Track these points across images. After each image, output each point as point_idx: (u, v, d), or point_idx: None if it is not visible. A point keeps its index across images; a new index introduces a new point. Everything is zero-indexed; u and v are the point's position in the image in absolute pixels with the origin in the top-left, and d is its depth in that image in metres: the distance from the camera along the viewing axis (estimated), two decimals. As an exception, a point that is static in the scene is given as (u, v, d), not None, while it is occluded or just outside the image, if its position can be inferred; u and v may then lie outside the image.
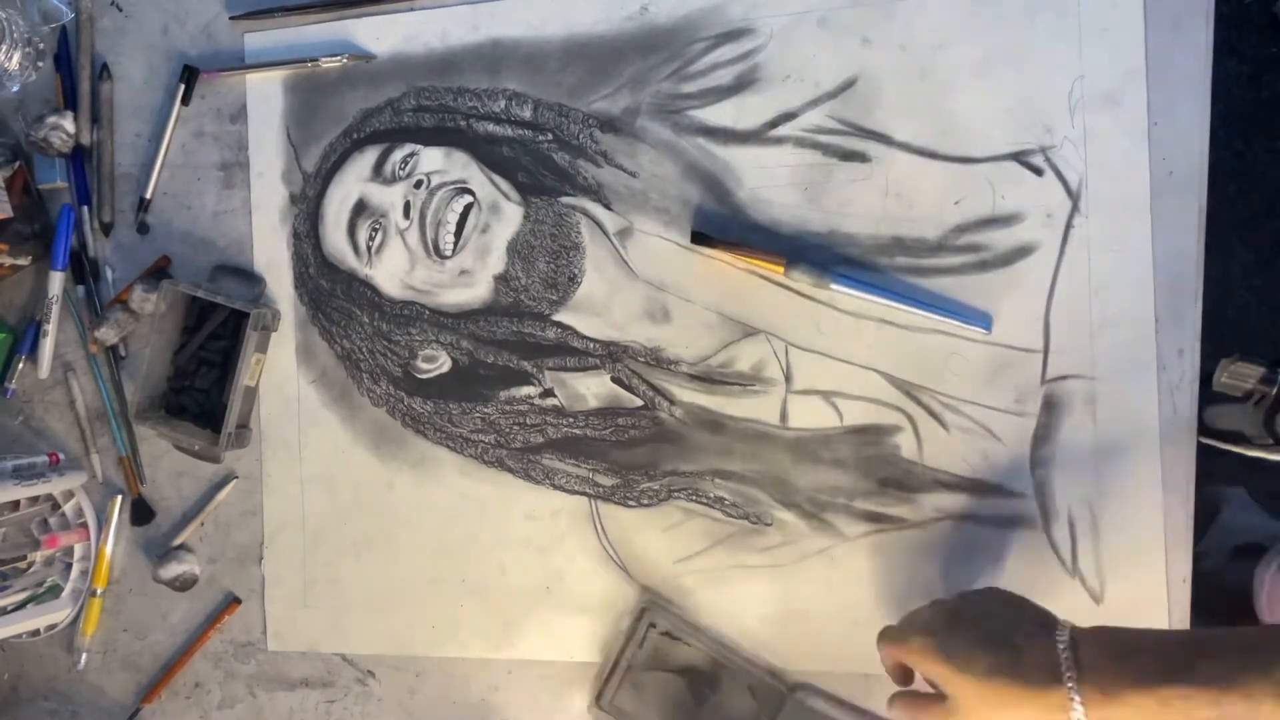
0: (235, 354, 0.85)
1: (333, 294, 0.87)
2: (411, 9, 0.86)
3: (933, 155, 0.77)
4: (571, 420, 0.83)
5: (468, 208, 0.84)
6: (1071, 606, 0.77)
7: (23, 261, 0.88)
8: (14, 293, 0.91)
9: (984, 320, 0.76)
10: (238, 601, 0.88)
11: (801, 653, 0.80)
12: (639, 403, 0.82)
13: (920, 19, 0.77)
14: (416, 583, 0.86)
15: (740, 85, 0.80)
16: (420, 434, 0.86)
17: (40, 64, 0.89)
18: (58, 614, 0.88)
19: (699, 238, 0.79)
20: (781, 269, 0.77)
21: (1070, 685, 0.56)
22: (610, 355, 0.82)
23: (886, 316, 0.78)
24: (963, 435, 0.78)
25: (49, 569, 0.90)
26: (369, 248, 0.86)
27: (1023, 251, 0.77)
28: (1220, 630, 0.55)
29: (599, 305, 0.83)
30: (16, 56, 0.87)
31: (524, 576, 0.84)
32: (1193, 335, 0.76)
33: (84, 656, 0.89)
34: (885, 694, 0.79)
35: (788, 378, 0.80)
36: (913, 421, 0.78)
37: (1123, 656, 0.56)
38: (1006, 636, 0.60)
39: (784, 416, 0.80)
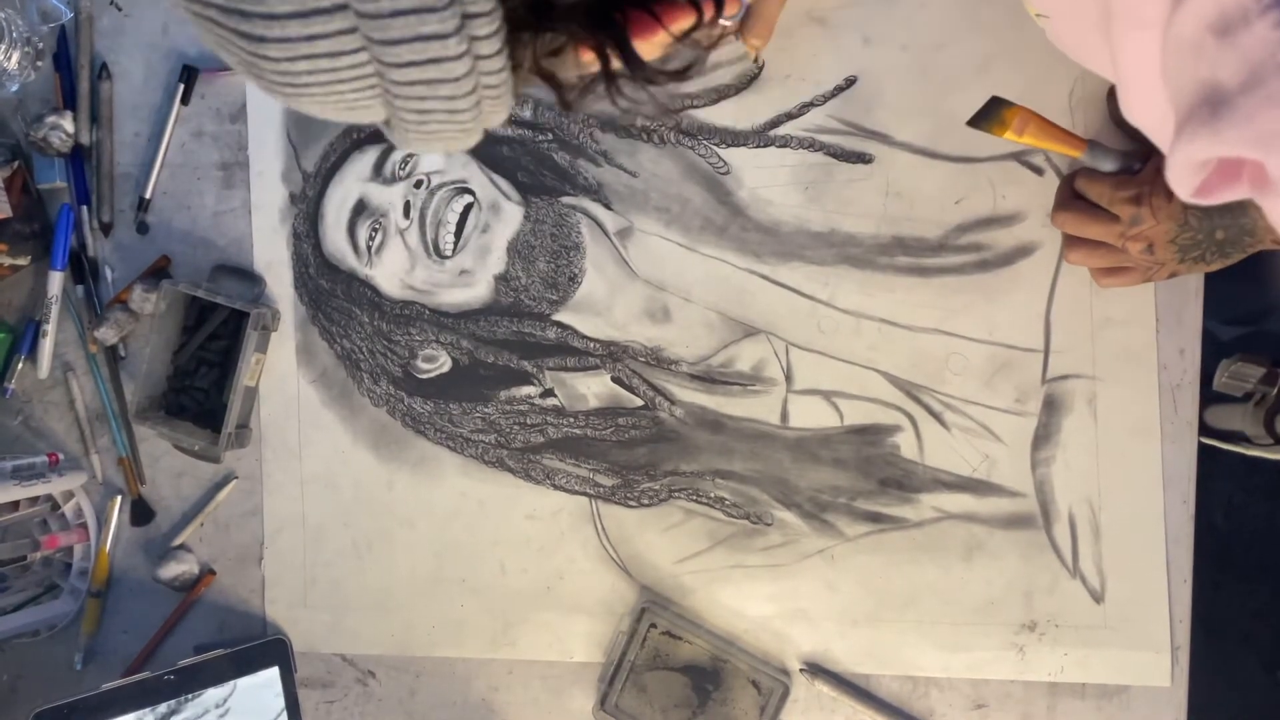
0: (235, 354, 0.84)
1: (333, 294, 0.87)
2: (411, 8, 0.86)
3: (933, 155, 0.77)
4: (572, 420, 0.83)
5: (468, 207, 0.84)
6: (1072, 606, 0.77)
7: (22, 261, 0.88)
8: (13, 293, 0.91)
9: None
10: (212, 573, 0.88)
11: (802, 653, 0.80)
12: (639, 403, 0.82)
13: (921, 18, 0.77)
14: (417, 583, 0.86)
15: (741, 85, 0.80)
16: (420, 434, 0.86)
17: (39, 63, 0.89)
18: (57, 614, 0.88)
19: (991, 108, 0.67)
20: (1080, 152, 0.69)
21: None
22: (611, 355, 0.82)
23: (887, 316, 0.78)
24: (963, 435, 0.78)
25: (48, 569, 0.90)
26: (369, 247, 0.86)
27: (1023, 251, 0.77)
28: None
29: (599, 305, 0.83)
30: (15, 56, 0.87)
31: (524, 576, 0.84)
32: (1193, 335, 0.76)
33: (82, 657, 0.89)
34: (886, 693, 0.79)
35: (788, 378, 0.80)
36: (913, 421, 0.78)
37: None
38: None
39: (784, 416, 0.80)
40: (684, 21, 0.43)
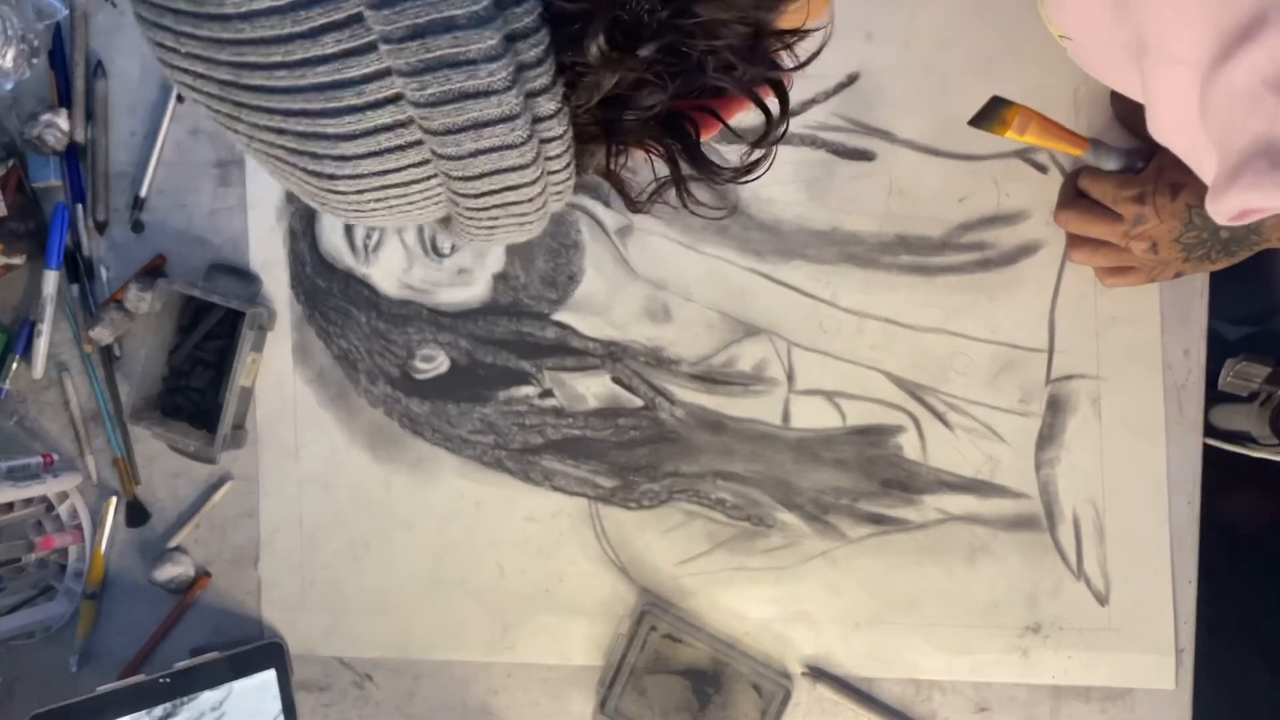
0: (231, 354, 0.84)
1: (329, 293, 0.86)
2: (409, 5, 0.85)
3: (937, 152, 0.77)
4: (571, 421, 0.82)
5: (466, 206, 0.83)
6: (1076, 608, 0.76)
7: (17, 260, 0.87)
8: (8, 292, 0.91)
9: None
10: (208, 575, 0.88)
11: (804, 656, 0.79)
12: (639, 403, 0.81)
13: (924, 15, 0.77)
14: (415, 585, 0.85)
15: (742, 82, 0.79)
16: (418, 435, 0.85)
17: (34, 61, 0.88)
18: (52, 616, 0.88)
19: (992, 107, 0.66)
20: (1083, 151, 0.68)
21: None
22: (610, 355, 0.82)
23: (890, 315, 0.78)
24: (967, 435, 0.77)
25: (43, 571, 0.90)
26: (366, 246, 0.85)
27: (1027, 249, 0.76)
28: None
29: (599, 304, 0.82)
30: (10, 53, 0.86)
31: (523, 579, 0.83)
32: (1198, 334, 0.75)
33: (77, 660, 0.88)
34: (889, 696, 0.79)
35: (790, 378, 0.79)
36: (916, 422, 0.78)
37: None
38: None
39: (786, 417, 0.79)
40: (745, 110, 0.43)
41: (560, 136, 0.36)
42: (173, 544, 0.88)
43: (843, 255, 0.78)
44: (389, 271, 0.85)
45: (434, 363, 0.85)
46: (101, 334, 0.86)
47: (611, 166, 0.41)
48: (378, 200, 0.37)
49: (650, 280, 0.81)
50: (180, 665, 0.82)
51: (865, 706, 0.78)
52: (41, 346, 0.88)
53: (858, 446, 0.78)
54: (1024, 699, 0.77)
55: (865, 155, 0.78)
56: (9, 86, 0.88)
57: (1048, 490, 0.76)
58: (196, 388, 0.87)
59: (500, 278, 0.83)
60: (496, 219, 0.39)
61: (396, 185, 0.36)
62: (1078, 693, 0.77)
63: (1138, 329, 0.75)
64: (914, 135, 0.77)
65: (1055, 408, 0.76)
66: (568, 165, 0.38)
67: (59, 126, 0.86)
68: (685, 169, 0.42)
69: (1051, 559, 0.76)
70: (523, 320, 0.83)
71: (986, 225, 0.76)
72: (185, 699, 0.81)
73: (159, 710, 0.81)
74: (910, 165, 0.77)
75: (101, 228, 0.89)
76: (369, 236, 0.85)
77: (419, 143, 0.34)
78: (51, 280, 0.87)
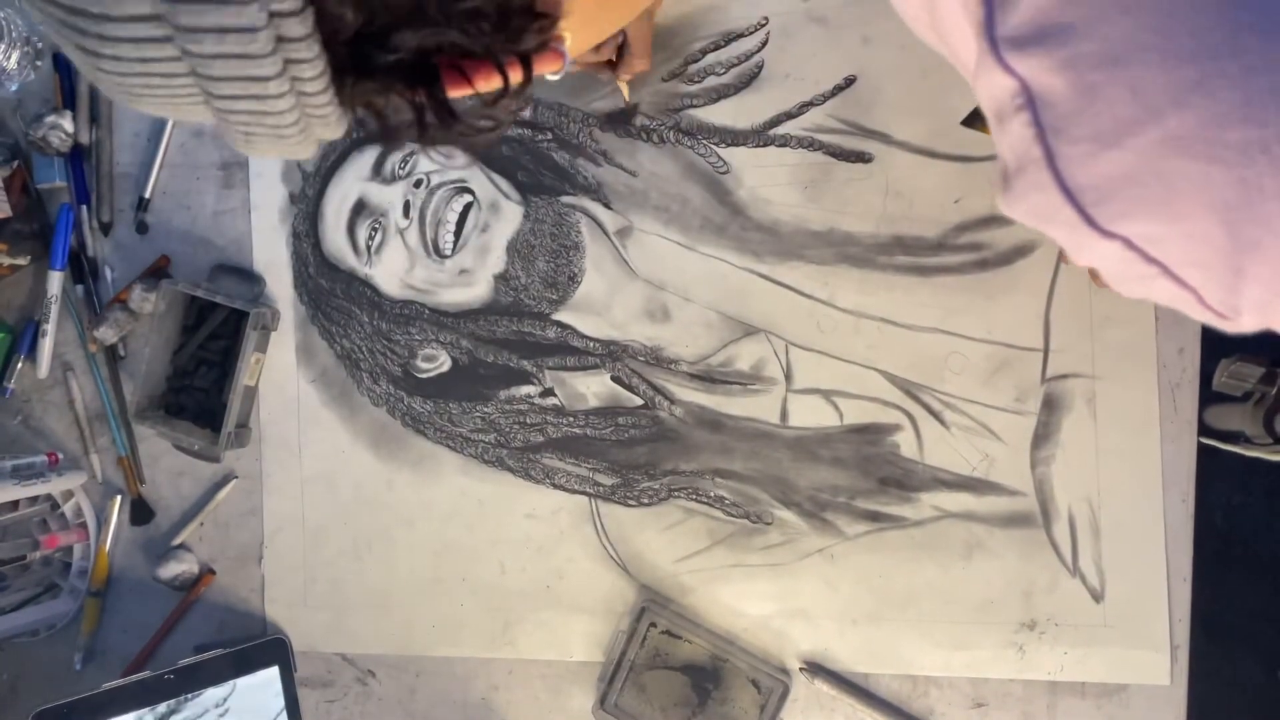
0: (235, 353, 0.85)
1: (332, 293, 0.87)
2: (411, 8, 0.86)
3: (933, 154, 0.77)
4: (572, 419, 0.83)
5: (467, 207, 0.84)
6: (1072, 605, 0.77)
7: (22, 261, 0.88)
8: (13, 292, 0.91)
9: None
10: (212, 573, 0.88)
11: (802, 652, 0.80)
12: (639, 402, 0.82)
13: (920, 18, 0.77)
14: (417, 582, 0.86)
15: (740, 84, 0.80)
16: (420, 433, 0.86)
17: (39, 63, 0.89)
18: (57, 614, 0.88)
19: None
20: None
21: None
22: (610, 354, 0.82)
23: (886, 315, 0.78)
24: (963, 434, 0.78)
25: (48, 569, 0.90)
26: (368, 247, 0.86)
27: (1023, 250, 0.77)
28: None
29: (599, 304, 0.83)
30: (15, 55, 0.87)
31: (524, 576, 0.84)
32: (1193, 334, 0.76)
33: (82, 657, 0.89)
34: (886, 692, 0.79)
35: (788, 377, 0.80)
36: (913, 420, 0.78)
37: None
38: None
39: (784, 415, 0.80)
40: (496, 81, 0.45)
41: (311, 60, 0.37)
42: (176, 542, 0.89)
43: (840, 256, 0.79)
44: (391, 272, 0.85)
45: (436, 362, 0.85)
46: (106, 334, 0.87)
47: (377, 103, 0.43)
48: (144, 87, 0.38)
49: (650, 280, 0.82)
50: (184, 662, 0.82)
51: (862, 702, 0.78)
52: (46, 346, 0.89)
53: (855, 445, 0.79)
54: (1020, 695, 0.78)
55: (862, 157, 0.78)
56: (14, 89, 0.88)
57: (1043, 488, 0.77)
58: (200, 387, 0.88)
59: (501, 278, 0.83)
60: (250, 126, 0.41)
61: (158, 75, 0.37)
62: (1073, 689, 0.77)
63: (1132, 329, 0.76)
64: (910, 137, 0.78)
65: (1050, 406, 0.77)
66: (325, 90, 0.39)
67: (63, 128, 0.87)
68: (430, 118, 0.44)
69: (1047, 556, 0.77)
70: (524, 320, 0.83)
71: (982, 226, 0.77)
72: (189, 695, 0.82)
73: (163, 707, 0.81)
74: (907, 167, 0.78)
75: (106, 229, 0.89)
76: (371, 238, 0.86)
77: (172, 38, 0.36)
78: (56, 281, 0.87)
